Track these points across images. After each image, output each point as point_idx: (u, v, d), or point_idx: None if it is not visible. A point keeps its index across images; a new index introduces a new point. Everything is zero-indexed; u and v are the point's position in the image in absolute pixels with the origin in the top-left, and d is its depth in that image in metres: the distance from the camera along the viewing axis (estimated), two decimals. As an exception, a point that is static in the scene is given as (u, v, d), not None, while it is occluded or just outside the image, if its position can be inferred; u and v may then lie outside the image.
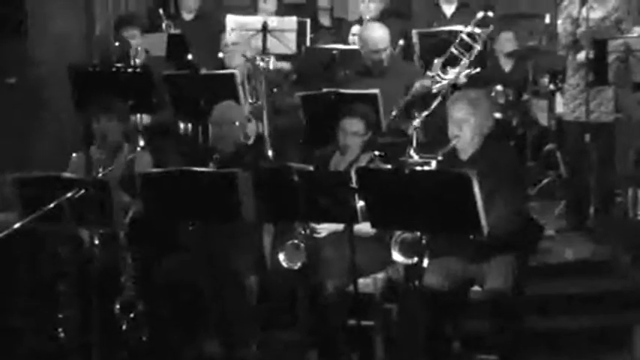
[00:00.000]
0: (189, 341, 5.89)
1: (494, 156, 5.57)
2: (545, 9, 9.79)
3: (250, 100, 7.59)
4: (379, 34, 7.48)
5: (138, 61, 7.68)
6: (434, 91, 7.07)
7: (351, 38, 8.40)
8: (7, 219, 5.62)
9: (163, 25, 8.21)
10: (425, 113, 6.95)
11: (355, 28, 8.42)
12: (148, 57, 7.85)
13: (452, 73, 7.12)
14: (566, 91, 7.86)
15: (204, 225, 5.70)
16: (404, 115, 7.07)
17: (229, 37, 7.82)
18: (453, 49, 7.24)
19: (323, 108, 6.83)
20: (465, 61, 7.23)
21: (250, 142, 6.93)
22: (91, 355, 5.67)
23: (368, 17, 8.38)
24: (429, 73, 7.18)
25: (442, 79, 7.09)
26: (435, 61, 7.23)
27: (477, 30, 7.43)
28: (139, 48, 7.76)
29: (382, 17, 8.38)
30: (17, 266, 5.94)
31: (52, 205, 5.38)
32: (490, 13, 7.52)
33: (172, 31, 8.32)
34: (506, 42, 8.52)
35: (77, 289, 5.81)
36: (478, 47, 7.27)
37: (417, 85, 7.18)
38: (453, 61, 7.34)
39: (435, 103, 6.96)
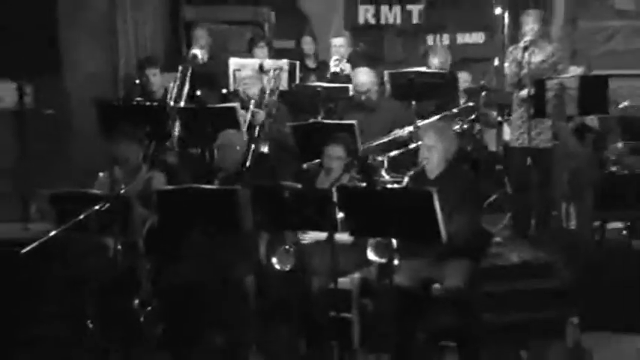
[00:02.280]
0: (197, 332, 5.83)
1: (455, 177, 5.62)
2: (495, 53, 9.86)
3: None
4: (364, 77, 7.54)
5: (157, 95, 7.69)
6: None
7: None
8: (44, 228, 5.57)
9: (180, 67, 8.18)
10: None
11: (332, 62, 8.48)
12: (165, 92, 7.83)
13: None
14: (511, 122, 7.87)
15: (209, 233, 5.67)
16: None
17: (244, 73, 7.81)
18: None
19: (310, 135, 6.82)
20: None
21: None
22: (114, 342, 5.67)
23: (337, 57, 8.41)
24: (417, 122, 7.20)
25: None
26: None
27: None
28: (158, 84, 7.77)
29: (357, 59, 8.41)
30: (52, 268, 5.87)
31: (81, 217, 5.37)
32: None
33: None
34: (463, 81, 8.52)
35: (102, 288, 5.76)
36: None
37: (399, 132, 7.19)
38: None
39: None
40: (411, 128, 7.15)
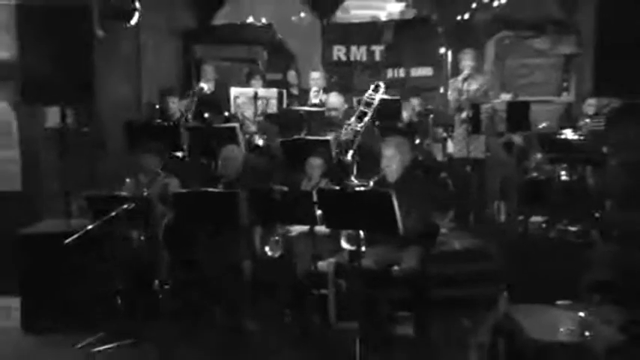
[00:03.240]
0: (205, 307, 5.77)
1: (411, 181, 5.60)
2: (440, 84, 9.88)
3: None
4: (334, 99, 7.55)
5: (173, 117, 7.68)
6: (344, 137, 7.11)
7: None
8: (82, 223, 5.50)
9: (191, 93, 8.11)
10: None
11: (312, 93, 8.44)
12: (179, 117, 7.79)
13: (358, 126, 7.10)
14: (454, 137, 7.87)
15: (215, 227, 5.62)
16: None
17: (242, 100, 7.87)
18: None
19: (295, 149, 6.79)
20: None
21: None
22: (138, 316, 5.61)
23: (316, 88, 8.36)
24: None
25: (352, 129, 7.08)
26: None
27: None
28: (175, 109, 7.74)
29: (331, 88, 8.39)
30: (88, 255, 5.79)
31: (112, 214, 5.34)
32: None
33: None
34: (416, 105, 8.50)
35: (128, 272, 5.71)
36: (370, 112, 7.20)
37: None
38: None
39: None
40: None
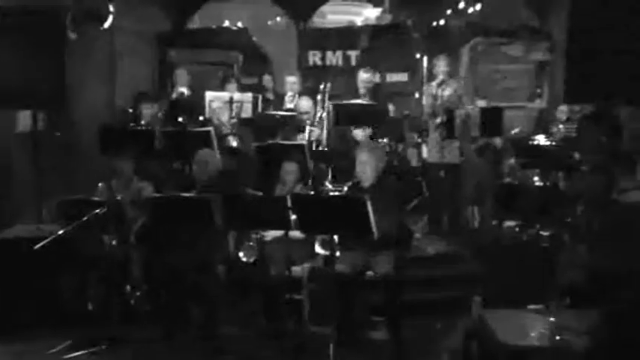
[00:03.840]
0: (178, 311, 5.73)
1: (385, 186, 5.60)
2: (415, 89, 9.92)
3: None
4: (305, 103, 7.73)
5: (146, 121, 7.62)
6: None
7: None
8: (54, 228, 5.46)
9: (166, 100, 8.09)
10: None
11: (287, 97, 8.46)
12: (153, 119, 7.74)
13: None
14: (428, 142, 7.91)
15: (188, 232, 5.60)
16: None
17: (217, 104, 7.81)
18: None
19: (270, 153, 6.78)
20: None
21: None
22: (111, 320, 5.55)
23: (291, 92, 8.38)
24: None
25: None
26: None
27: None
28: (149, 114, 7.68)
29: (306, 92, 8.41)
30: (61, 259, 5.74)
31: (84, 219, 5.30)
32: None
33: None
34: (391, 111, 8.51)
35: (101, 276, 5.67)
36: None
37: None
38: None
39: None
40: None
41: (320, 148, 7.50)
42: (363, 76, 7.84)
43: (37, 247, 5.17)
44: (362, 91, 7.80)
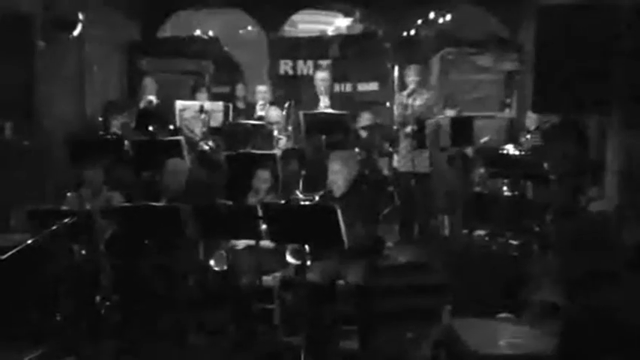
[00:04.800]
0: (149, 322, 5.70)
1: (356, 195, 5.61)
2: (387, 98, 9.98)
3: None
4: (273, 113, 7.81)
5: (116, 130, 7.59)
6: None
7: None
8: (23, 238, 5.39)
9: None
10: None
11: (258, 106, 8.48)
12: (123, 127, 7.70)
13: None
14: (399, 152, 7.95)
15: (159, 240, 5.57)
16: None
17: (187, 114, 7.84)
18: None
19: (240, 162, 6.78)
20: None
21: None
22: (80, 331, 5.50)
23: (262, 101, 8.41)
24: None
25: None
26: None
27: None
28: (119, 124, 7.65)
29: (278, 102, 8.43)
30: (29, 269, 5.67)
31: (53, 228, 5.23)
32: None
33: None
34: (364, 120, 8.55)
35: (70, 286, 5.58)
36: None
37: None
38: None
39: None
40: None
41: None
42: (320, 75, 8.00)
43: (5, 257, 5.09)
44: (321, 89, 7.86)
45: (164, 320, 5.75)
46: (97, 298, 5.62)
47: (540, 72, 5.96)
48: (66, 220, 5.28)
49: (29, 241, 5.20)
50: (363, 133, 8.27)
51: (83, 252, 5.62)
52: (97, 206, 6.03)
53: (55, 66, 7.92)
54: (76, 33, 7.78)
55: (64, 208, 5.75)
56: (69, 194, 6.28)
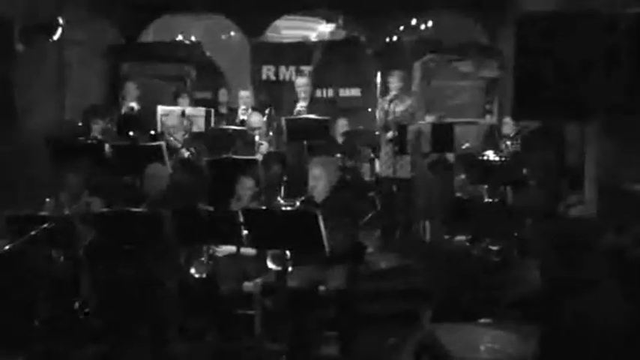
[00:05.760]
0: (128, 328, 5.66)
1: (338, 200, 5.61)
2: (369, 104, 10.01)
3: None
4: (255, 119, 7.87)
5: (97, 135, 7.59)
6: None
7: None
8: (1, 244, 5.34)
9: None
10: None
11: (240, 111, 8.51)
12: (105, 133, 7.66)
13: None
14: (381, 157, 7.97)
15: (139, 246, 5.53)
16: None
17: (170, 121, 7.82)
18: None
19: (222, 168, 6.76)
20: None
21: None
22: (59, 337, 5.46)
23: (244, 106, 8.43)
24: None
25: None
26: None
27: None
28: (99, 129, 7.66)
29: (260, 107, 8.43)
30: (7, 275, 5.62)
31: (32, 233, 5.19)
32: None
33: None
34: (340, 126, 8.56)
35: (49, 291, 5.56)
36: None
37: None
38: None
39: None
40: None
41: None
42: (300, 80, 8.06)
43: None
44: (302, 95, 7.87)
45: (144, 326, 5.71)
46: (76, 304, 5.57)
47: (520, 79, 6.00)
48: (45, 226, 5.24)
49: (7, 247, 5.17)
50: (340, 139, 8.29)
51: (62, 258, 5.56)
52: (77, 212, 5.99)
53: (34, 70, 7.87)
54: (56, 37, 7.73)
55: (43, 213, 5.71)
56: (48, 199, 6.22)
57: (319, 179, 5.60)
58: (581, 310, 3.51)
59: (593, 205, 6.17)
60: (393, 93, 7.82)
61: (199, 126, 7.84)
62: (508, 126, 8.06)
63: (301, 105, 7.86)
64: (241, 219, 5.00)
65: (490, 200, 7.26)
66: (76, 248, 5.65)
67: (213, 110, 8.29)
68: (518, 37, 5.96)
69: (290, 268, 5.14)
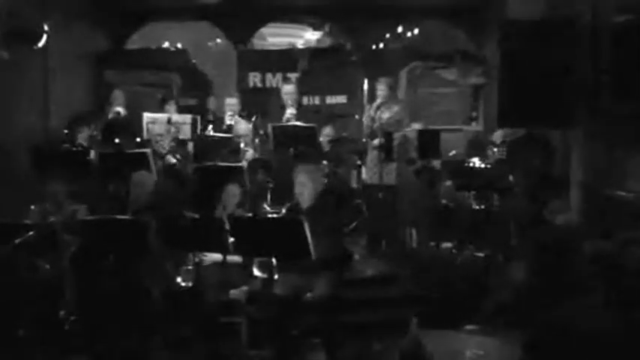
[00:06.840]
0: (113, 334, 5.62)
1: (323, 208, 5.62)
2: (355, 111, 10.04)
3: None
4: (241, 126, 7.85)
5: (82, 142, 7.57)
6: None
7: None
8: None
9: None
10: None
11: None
12: (90, 140, 7.63)
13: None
14: (367, 164, 7.98)
15: (124, 254, 5.50)
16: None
17: (157, 128, 7.78)
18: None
19: (208, 175, 6.76)
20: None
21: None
22: (45, 345, 5.40)
23: (231, 113, 8.44)
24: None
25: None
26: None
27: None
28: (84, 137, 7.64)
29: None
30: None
31: (16, 242, 5.13)
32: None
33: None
34: (325, 134, 8.55)
35: (34, 300, 5.48)
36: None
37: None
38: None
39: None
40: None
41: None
42: (286, 87, 8.08)
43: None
44: (289, 102, 7.89)
45: (129, 335, 5.67)
46: (61, 312, 5.52)
47: (504, 87, 6.04)
48: (29, 234, 5.20)
49: (-8, 255, 5.12)
50: (326, 147, 8.29)
51: (47, 266, 5.52)
52: (62, 220, 5.95)
53: (18, 77, 7.82)
54: (40, 44, 7.69)
55: (27, 221, 5.65)
56: (32, 207, 6.18)
57: (305, 186, 5.61)
58: (567, 316, 3.52)
59: (578, 211, 6.20)
60: (379, 100, 7.84)
61: (185, 133, 7.81)
62: (497, 134, 8.10)
63: (290, 112, 7.85)
64: (227, 226, 4.98)
65: (476, 207, 7.28)
66: (60, 257, 5.61)
67: (199, 117, 8.28)
68: (503, 44, 6.00)
69: (276, 276, 5.13)
